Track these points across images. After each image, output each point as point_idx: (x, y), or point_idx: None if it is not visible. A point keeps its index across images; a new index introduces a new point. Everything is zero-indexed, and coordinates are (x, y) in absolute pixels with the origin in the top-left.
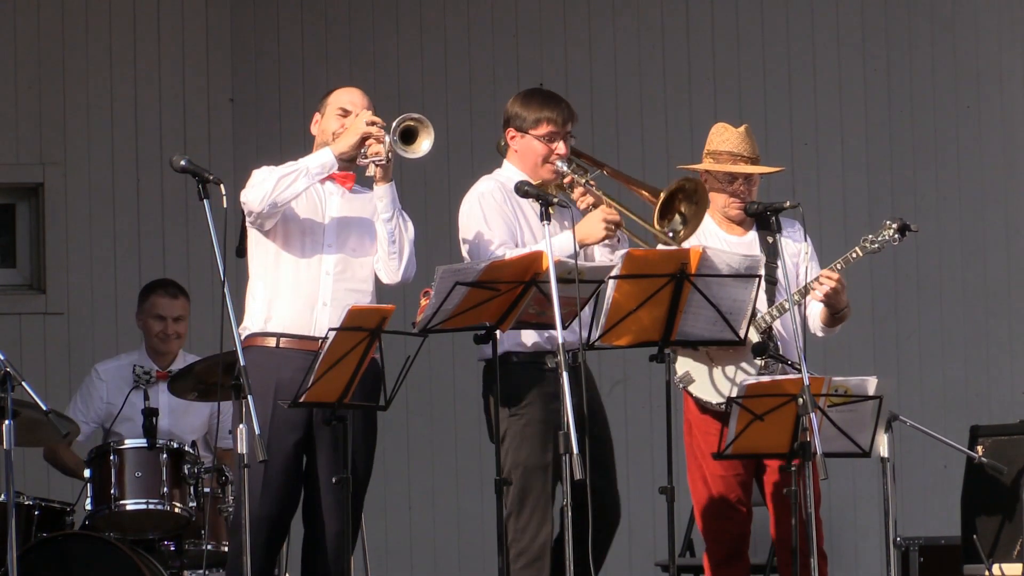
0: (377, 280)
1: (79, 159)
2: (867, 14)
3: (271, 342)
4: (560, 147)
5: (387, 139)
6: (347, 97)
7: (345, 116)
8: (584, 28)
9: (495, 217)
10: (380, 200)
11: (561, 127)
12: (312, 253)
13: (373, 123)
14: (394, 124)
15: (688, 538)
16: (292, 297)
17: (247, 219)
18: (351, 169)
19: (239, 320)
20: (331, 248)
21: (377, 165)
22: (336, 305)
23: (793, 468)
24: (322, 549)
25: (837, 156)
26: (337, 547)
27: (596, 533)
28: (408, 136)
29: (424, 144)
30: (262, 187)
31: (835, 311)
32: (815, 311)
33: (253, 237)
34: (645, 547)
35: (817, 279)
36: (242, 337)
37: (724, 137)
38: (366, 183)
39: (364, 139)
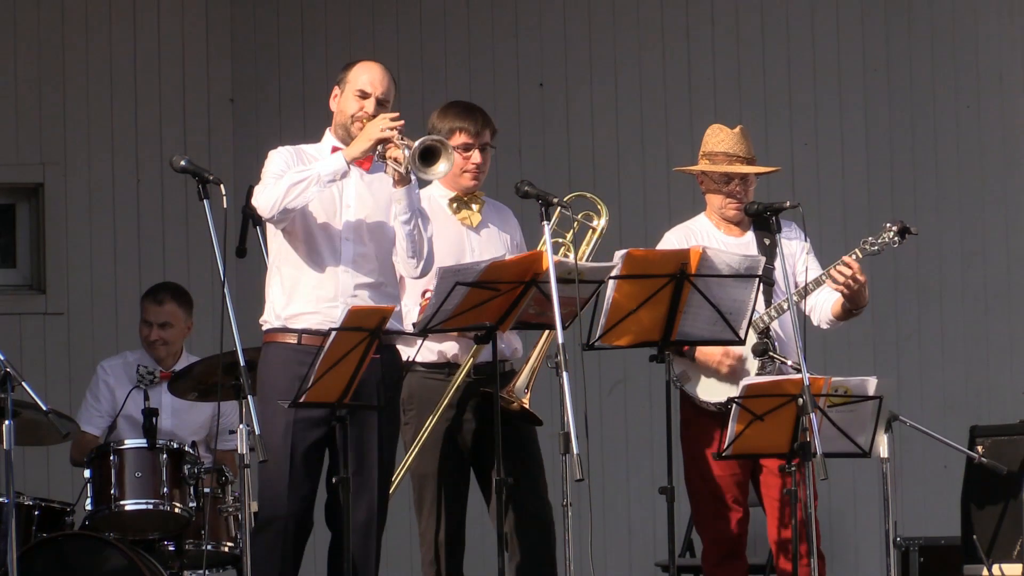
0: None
1: (79, 159)
2: (867, 14)
3: (292, 339)
4: (475, 156)
5: (405, 151)
6: (366, 76)
7: (364, 98)
8: (584, 28)
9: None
10: (398, 203)
11: (474, 137)
12: (331, 247)
13: (390, 127)
14: (416, 144)
15: (688, 538)
16: (313, 294)
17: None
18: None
19: (238, 321)
20: (349, 242)
21: (395, 170)
22: (357, 301)
23: (792, 468)
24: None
25: (837, 156)
26: (364, 536)
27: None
28: (428, 155)
29: (441, 167)
30: (272, 193)
31: (855, 306)
32: (827, 301)
33: (269, 228)
34: (645, 547)
35: (835, 266)
36: (262, 329)
37: (719, 138)
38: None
39: (380, 142)
